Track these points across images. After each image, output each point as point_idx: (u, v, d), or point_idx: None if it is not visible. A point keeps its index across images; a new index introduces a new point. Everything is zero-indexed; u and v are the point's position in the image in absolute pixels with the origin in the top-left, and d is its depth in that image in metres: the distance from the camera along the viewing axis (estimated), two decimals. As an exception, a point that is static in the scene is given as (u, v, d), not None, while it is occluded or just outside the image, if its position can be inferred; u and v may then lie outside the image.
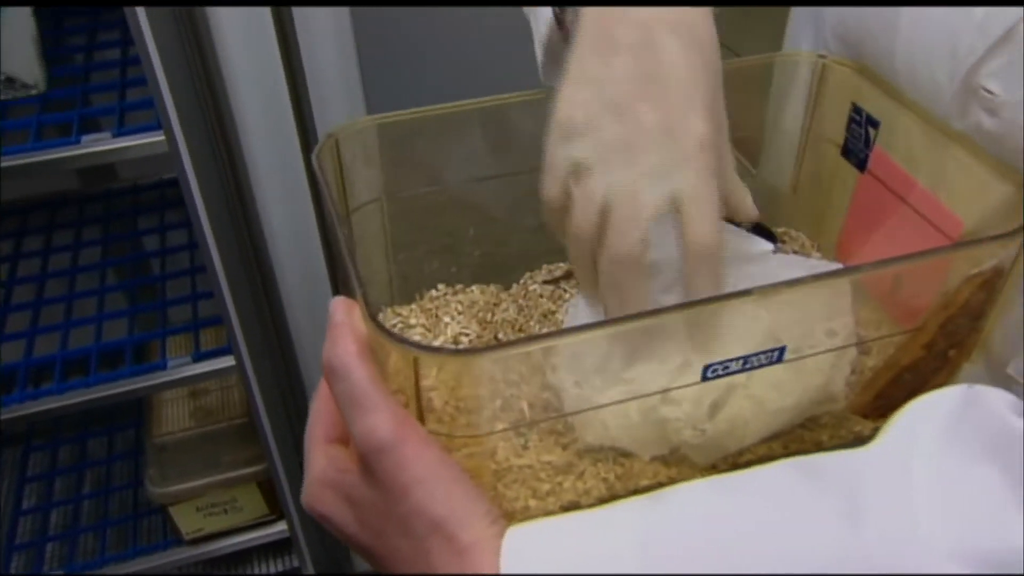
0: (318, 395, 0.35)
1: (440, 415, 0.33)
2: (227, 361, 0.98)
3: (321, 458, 0.33)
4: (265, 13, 0.82)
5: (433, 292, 0.50)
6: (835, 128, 0.46)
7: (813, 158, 0.48)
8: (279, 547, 1.20)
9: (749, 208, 0.37)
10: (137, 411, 1.15)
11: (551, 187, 0.34)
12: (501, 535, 0.30)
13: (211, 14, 0.81)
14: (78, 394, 0.94)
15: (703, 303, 0.33)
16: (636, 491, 0.38)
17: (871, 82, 0.42)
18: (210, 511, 1.07)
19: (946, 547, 0.25)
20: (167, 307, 1.09)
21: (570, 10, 0.37)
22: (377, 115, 0.44)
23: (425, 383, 0.32)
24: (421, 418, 0.32)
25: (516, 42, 0.71)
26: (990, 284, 0.35)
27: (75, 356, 0.99)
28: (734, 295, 0.32)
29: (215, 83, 0.86)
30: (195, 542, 1.08)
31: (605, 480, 0.38)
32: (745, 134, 0.51)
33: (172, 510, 1.03)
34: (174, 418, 1.06)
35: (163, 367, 0.98)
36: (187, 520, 1.06)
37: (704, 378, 0.33)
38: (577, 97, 0.34)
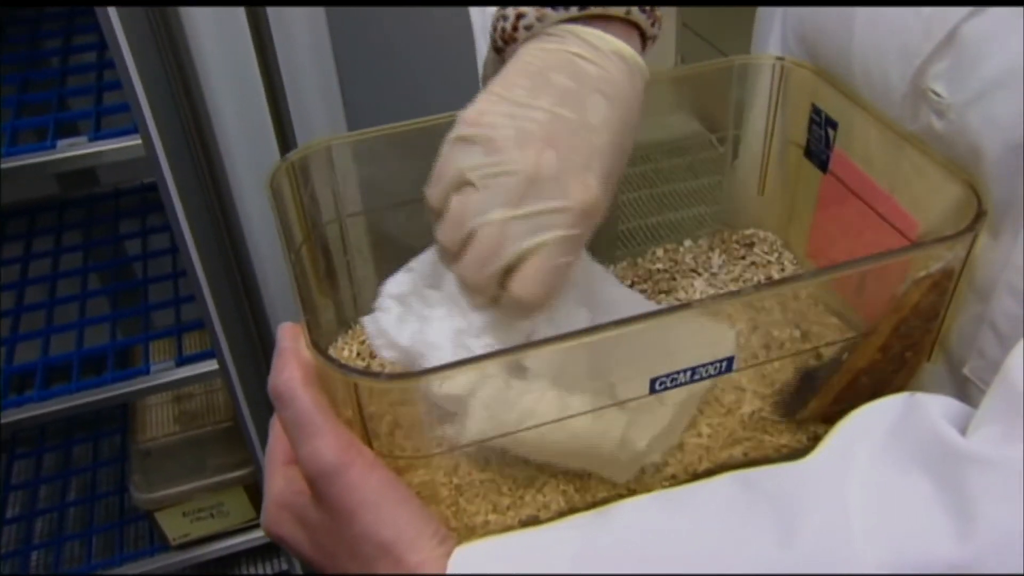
0: (276, 418, 0.35)
1: (385, 439, 0.33)
2: (211, 365, 0.98)
3: (279, 480, 0.34)
4: (240, 13, 0.81)
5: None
6: (798, 130, 0.46)
7: (778, 160, 0.49)
8: (267, 551, 1.20)
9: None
10: (122, 416, 1.15)
11: (434, 191, 0.34)
12: (448, 555, 0.31)
13: (185, 15, 0.80)
14: (61, 401, 0.93)
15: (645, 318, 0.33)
16: (595, 504, 0.39)
17: (829, 84, 0.43)
18: (196, 516, 1.07)
19: (876, 560, 0.25)
20: (149, 312, 1.08)
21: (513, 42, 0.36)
22: (333, 136, 0.45)
23: (370, 408, 0.32)
24: (368, 442, 0.33)
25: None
26: (940, 286, 0.35)
27: (57, 362, 0.99)
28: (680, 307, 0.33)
29: (191, 85, 0.85)
30: (182, 547, 1.08)
31: (564, 493, 0.38)
32: (723, 133, 0.51)
33: (158, 516, 1.03)
34: (158, 423, 1.06)
35: (146, 372, 0.98)
36: (173, 525, 1.06)
37: (652, 390, 0.34)
38: (491, 110, 0.33)
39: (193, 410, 1.09)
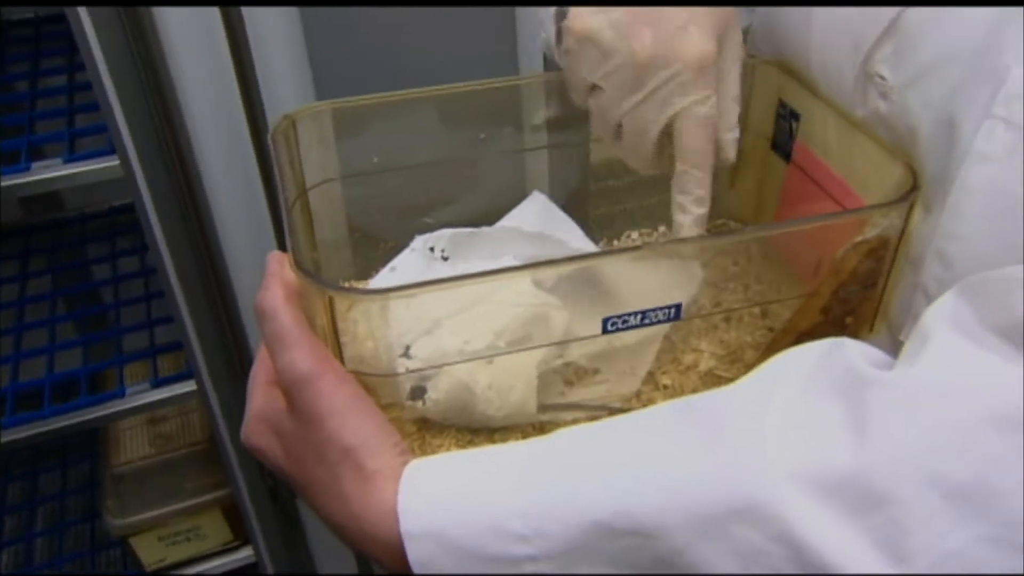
0: (262, 344, 0.38)
1: (355, 356, 0.36)
2: (188, 386, 0.97)
3: (260, 397, 0.36)
4: (217, 25, 0.82)
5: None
6: (765, 123, 0.50)
7: (748, 153, 0.52)
8: (245, 573, 1.18)
9: (728, 148, 0.42)
10: (90, 443, 1.13)
11: (575, 98, 0.42)
12: (404, 466, 0.33)
13: (162, 31, 0.81)
14: (33, 427, 0.92)
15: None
16: None
17: (793, 78, 0.46)
18: (173, 540, 1.05)
19: (785, 470, 0.28)
20: (122, 335, 1.08)
21: None
22: (334, 99, 0.48)
23: (343, 324, 0.35)
24: (341, 357, 0.36)
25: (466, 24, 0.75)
26: (876, 253, 0.39)
27: (27, 388, 0.98)
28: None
29: (168, 104, 0.86)
30: (157, 573, 1.06)
31: (525, 434, 0.41)
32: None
33: (133, 541, 1.02)
34: (132, 447, 1.05)
35: (121, 395, 0.97)
36: (149, 551, 1.04)
37: (605, 331, 0.37)
38: (584, 13, 0.38)
39: (168, 432, 1.08)
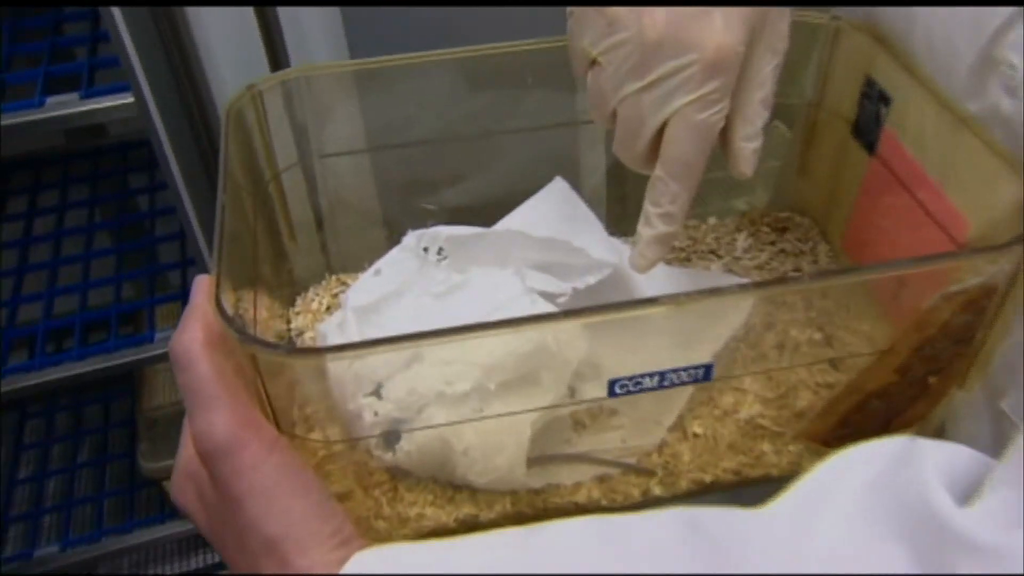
0: None
1: (289, 418, 0.30)
2: (216, 332, 0.94)
3: (190, 445, 0.30)
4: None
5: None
6: (846, 102, 0.40)
7: (822, 136, 0.42)
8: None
9: (743, 161, 0.33)
10: (130, 380, 1.13)
11: (576, 71, 0.35)
12: (343, 562, 0.27)
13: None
14: (60, 369, 0.91)
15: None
16: (545, 510, 0.36)
17: (887, 51, 0.36)
18: (206, 482, 1.05)
19: None
20: (155, 274, 1.05)
21: None
22: (305, 65, 0.41)
23: (274, 386, 0.29)
24: (275, 420, 0.29)
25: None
26: (977, 304, 0.29)
27: (59, 326, 0.96)
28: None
29: (182, 36, 0.80)
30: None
31: (512, 493, 0.35)
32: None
33: (166, 485, 1.01)
34: (165, 391, 1.04)
35: (151, 340, 0.95)
36: (183, 492, 1.05)
37: (612, 394, 0.30)
38: None
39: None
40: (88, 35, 0.92)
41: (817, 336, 0.38)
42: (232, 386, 0.28)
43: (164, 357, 0.94)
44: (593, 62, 0.33)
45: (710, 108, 0.31)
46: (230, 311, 0.28)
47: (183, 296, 0.99)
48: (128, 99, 0.80)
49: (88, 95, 0.81)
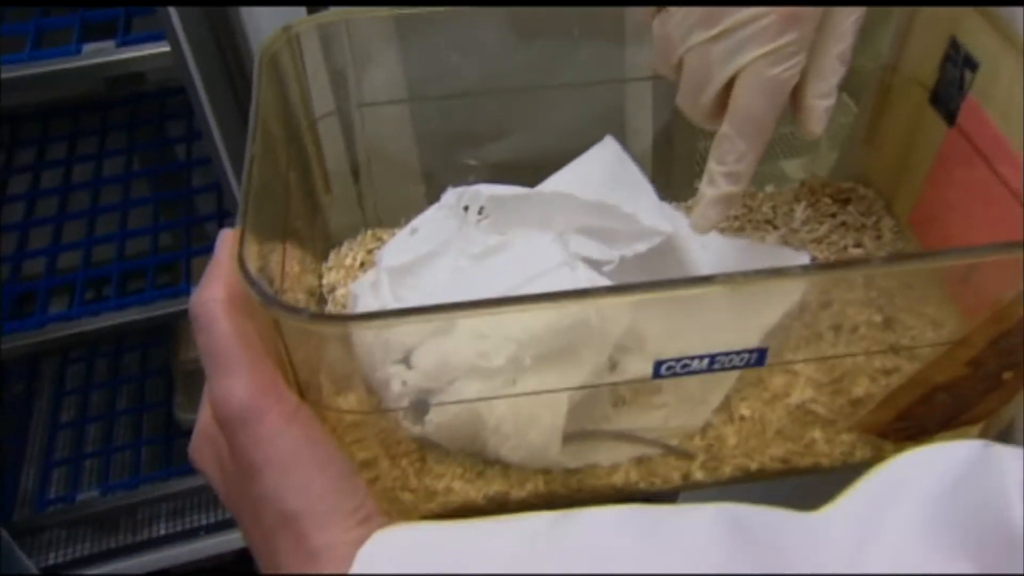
0: None
1: (314, 385, 0.28)
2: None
3: (209, 408, 0.28)
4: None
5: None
6: (925, 67, 0.36)
7: (896, 102, 0.39)
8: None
9: (814, 119, 0.31)
10: (167, 329, 1.14)
11: (644, 15, 0.33)
12: (363, 540, 0.25)
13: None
14: (99, 320, 0.91)
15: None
16: (579, 491, 0.34)
17: (977, 11, 0.32)
18: (240, 434, 1.06)
19: None
20: (192, 224, 1.05)
21: None
22: (344, 9, 0.38)
23: (297, 353, 0.27)
24: (297, 385, 0.27)
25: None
26: None
27: (97, 275, 0.97)
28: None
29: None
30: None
31: (545, 472, 0.34)
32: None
33: (201, 433, 1.03)
34: (200, 342, 1.04)
35: (187, 291, 0.95)
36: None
37: (657, 375, 0.29)
38: None
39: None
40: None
41: (877, 318, 0.36)
42: (253, 349, 0.26)
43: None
44: (659, 8, 0.31)
45: (785, 62, 0.29)
46: (255, 269, 0.27)
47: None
48: (164, 47, 0.78)
49: (124, 43, 0.80)
